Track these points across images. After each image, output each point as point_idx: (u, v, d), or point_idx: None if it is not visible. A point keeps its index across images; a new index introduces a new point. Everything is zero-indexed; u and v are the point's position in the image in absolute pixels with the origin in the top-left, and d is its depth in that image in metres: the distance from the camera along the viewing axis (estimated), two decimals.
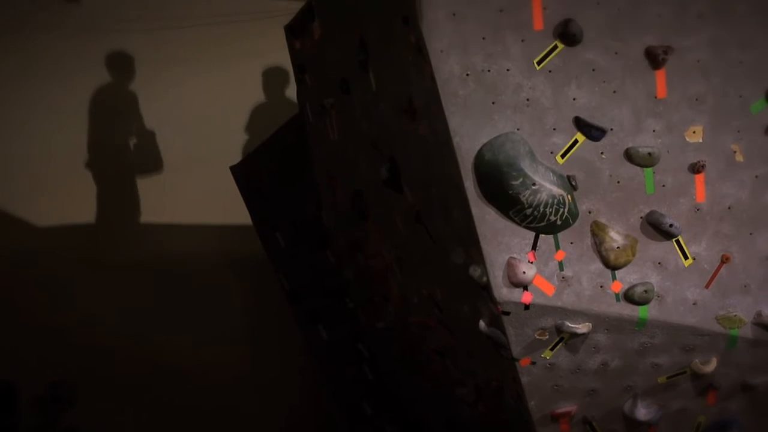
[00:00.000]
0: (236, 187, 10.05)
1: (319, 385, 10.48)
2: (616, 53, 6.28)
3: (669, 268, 6.54)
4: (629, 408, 6.96)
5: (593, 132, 6.29)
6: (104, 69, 11.47)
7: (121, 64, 11.55)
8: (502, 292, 6.31)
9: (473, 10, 6.09)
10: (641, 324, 6.56)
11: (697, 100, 6.43)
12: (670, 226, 6.44)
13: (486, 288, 6.35)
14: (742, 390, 7.12)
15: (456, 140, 6.13)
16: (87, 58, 11.32)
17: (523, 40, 6.16)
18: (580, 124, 6.28)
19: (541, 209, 6.21)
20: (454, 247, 6.62)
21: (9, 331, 10.67)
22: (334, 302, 9.12)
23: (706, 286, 6.64)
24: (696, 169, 6.47)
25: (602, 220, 6.40)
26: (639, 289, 6.48)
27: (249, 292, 11.71)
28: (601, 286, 6.45)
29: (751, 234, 6.67)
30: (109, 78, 11.52)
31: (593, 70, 6.26)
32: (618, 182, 6.39)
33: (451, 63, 6.09)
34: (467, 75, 6.11)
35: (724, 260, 6.64)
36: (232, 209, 10.90)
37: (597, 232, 6.39)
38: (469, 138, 6.14)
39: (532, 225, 6.28)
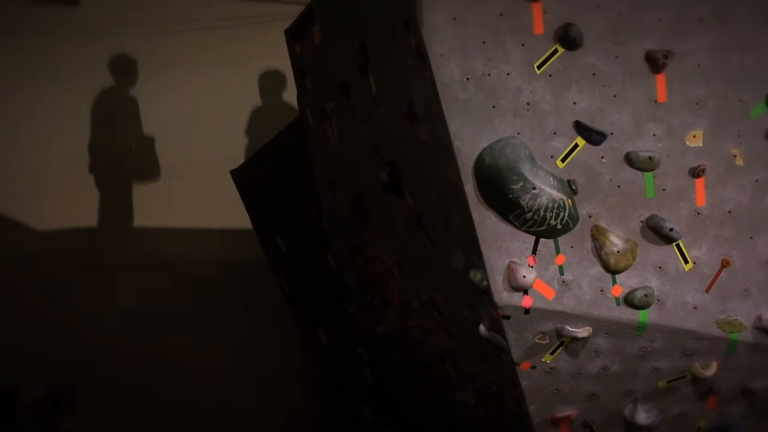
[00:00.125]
0: (236, 191, 10.05)
1: (319, 388, 10.49)
2: (616, 57, 6.29)
3: (669, 272, 6.54)
4: (629, 412, 6.96)
5: (593, 136, 6.29)
6: (104, 72, 11.48)
7: (120, 68, 11.56)
8: (503, 296, 6.31)
9: (473, 14, 6.09)
10: (641, 328, 6.56)
11: (697, 104, 6.43)
12: (671, 230, 6.44)
13: (486, 292, 6.35)
14: (742, 394, 7.11)
15: (456, 144, 6.13)
16: (86, 61, 11.32)
17: (523, 44, 6.16)
18: (581, 128, 6.28)
19: (542, 213, 6.21)
20: (455, 251, 6.62)
21: (9, 334, 10.67)
22: (334, 306, 9.12)
23: (707, 290, 6.64)
24: (696, 173, 6.47)
25: (602, 224, 6.40)
26: (639, 293, 6.48)
27: (249, 296, 11.71)
28: (602, 290, 6.45)
29: (751, 238, 6.67)
30: (108, 81, 11.53)
31: (593, 74, 6.26)
32: (618, 186, 6.39)
33: (451, 67, 6.09)
34: (467, 79, 6.11)
35: (725, 264, 6.64)
36: (232, 213, 10.91)
37: (597, 236, 6.39)
38: (469, 142, 6.14)
39: (532, 229, 6.28)
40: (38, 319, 10.89)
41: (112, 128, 11.58)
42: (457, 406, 7.81)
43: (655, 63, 6.33)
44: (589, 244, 6.41)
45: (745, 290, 6.71)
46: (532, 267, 6.31)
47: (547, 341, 6.50)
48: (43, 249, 11.18)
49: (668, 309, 6.57)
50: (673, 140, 6.43)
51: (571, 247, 6.37)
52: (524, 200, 6.17)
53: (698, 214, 6.54)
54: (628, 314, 6.51)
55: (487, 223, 6.24)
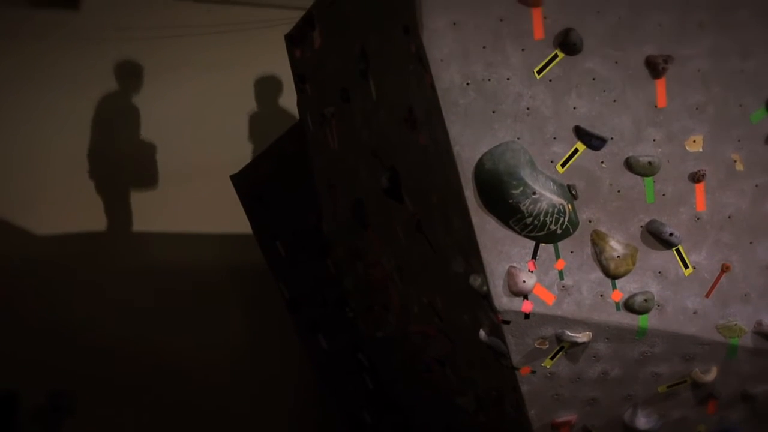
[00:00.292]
0: (236, 195, 10.05)
1: (319, 393, 10.48)
2: (616, 62, 6.29)
3: (669, 277, 6.54)
4: (629, 417, 6.96)
5: (593, 141, 6.29)
6: (104, 76, 11.48)
7: (120, 72, 11.56)
8: (502, 301, 6.31)
9: (473, 20, 6.09)
10: (641, 333, 6.56)
11: (697, 109, 6.44)
12: (671, 235, 6.45)
13: (486, 297, 6.35)
14: (742, 399, 7.11)
15: (456, 149, 6.13)
16: (86, 65, 11.32)
17: (523, 49, 6.16)
18: (581, 134, 6.28)
19: (542, 218, 6.21)
20: (455, 256, 6.62)
21: (9, 339, 10.67)
22: (334, 311, 9.12)
23: (707, 295, 6.64)
24: (696, 178, 6.48)
25: (602, 229, 6.40)
26: (639, 298, 6.48)
27: (249, 300, 11.71)
28: (602, 295, 6.45)
29: (751, 243, 6.67)
30: (108, 86, 11.53)
31: (593, 79, 6.27)
32: (618, 191, 6.39)
33: (451, 72, 6.09)
34: (467, 84, 6.11)
35: (725, 269, 6.64)
36: (232, 218, 10.90)
37: (597, 241, 6.39)
38: (469, 147, 6.14)
39: (532, 234, 6.28)
40: (38, 323, 10.90)
41: (112, 133, 11.57)
42: (457, 411, 7.81)
43: (655, 68, 6.33)
44: (589, 249, 6.41)
45: (745, 295, 6.71)
46: (532, 272, 6.31)
47: (547, 346, 6.50)
48: (42, 253, 11.18)
49: (668, 314, 6.57)
50: (673, 145, 6.43)
51: (571, 252, 6.37)
52: (524, 205, 6.17)
53: (698, 219, 6.55)
54: (628, 319, 6.51)
55: (487, 228, 6.24)
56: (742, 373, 6.93)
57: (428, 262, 7.04)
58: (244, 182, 9.90)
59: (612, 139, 6.32)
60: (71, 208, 11.29)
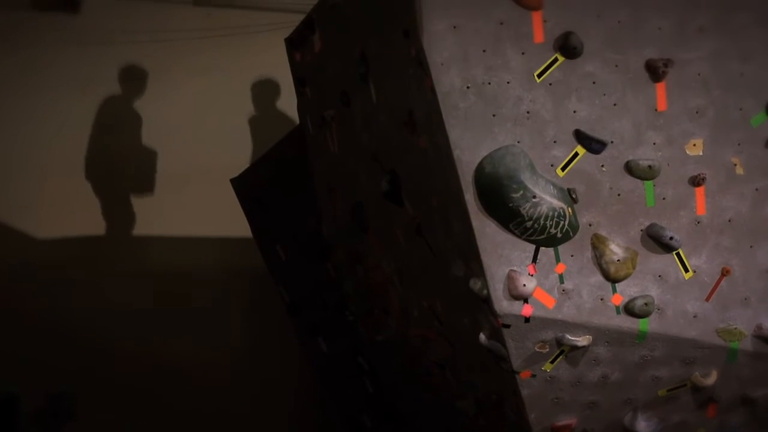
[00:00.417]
0: (237, 199, 10.05)
1: (319, 396, 10.47)
2: (616, 66, 6.29)
3: (669, 281, 6.54)
4: (629, 421, 6.95)
5: (593, 145, 6.29)
6: (103, 80, 11.48)
7: (120, 76, 11.57)
8: (503, 304, 6.31)
9: (474, 23, 6.09)
10: (641, 337, 6.55)
11: (697, 112, 6.44)
12: (671, 239, 6.44)
13: (486, 301, 6.35)
14: (742, 403, 7.11)
15: (456, 153, 6.13)
16: (86, 69, 11.33)
17: (523, 53, 6.16)
18: (581, 137, 6.28)
19: (542, 222, 6.21)
20: (455, 259, 6.62)
21: (9, 342, 10.67)
22: (334, 315, 9.12)
23: (707, 299, 6.63)
24: (696, 182, 6.47)
25: (602, 232, 6.40)
26: (639, 302, 6.47)
27: (249, 304, 11.70)
28: (602, 299, 6.45)
29: (751, 247, 6.67)
30: (108, 89, 11.53)
31: (594, 82, 6.27)
32: (618, 195, 6.39)
33: (451, 76, 6.10)
34: (468, 88, 6.11)
35: (725, 273, 6.64)
36: (232, 221, 10.90)
37: (597, 244, 6.39)
38: (469, 151, 6.14)
39: (532, 238, 6.28)
40: (38, 327, 10.90)
41: (112, 136, 11.58)
42: (457, 414, 7.81)
43: (655, 72, 6.33)
44: (589, 253, 6.41)
45: (745, 299, 6.71)
46: (532, 276, 6.31)
47: (547, 350, 6.50)
48: (42, 257, 11.18)
49: (668, 318, 6.57)
50: (674, 149, 6.43)
51: (572, 256, 6.37)
52: (524, 209, 6.17)
53: (698, 222, 6.55)
54: (628, 323, 6.50)
55: (487, 231, 6.24)
56: (742, 376, 6.93)
57: (428, 266, 7.04)
58: (244, 186, 9.90)
59: (612, 142, 6.32)
60: (71, 212, 11.29)
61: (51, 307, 11.01)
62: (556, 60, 6.21)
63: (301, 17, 8.02)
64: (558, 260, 6.35)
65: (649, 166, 6.37)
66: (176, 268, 11.51)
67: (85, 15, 11.42)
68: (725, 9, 6.46)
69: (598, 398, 6.79)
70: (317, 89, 8.05)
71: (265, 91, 11.96)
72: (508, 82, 6.16)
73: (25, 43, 11.10)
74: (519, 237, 6.27)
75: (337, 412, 9.98)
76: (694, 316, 6.62)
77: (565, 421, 6.85)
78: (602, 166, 6.33)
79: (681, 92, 6.39)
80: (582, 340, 6.44)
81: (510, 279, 6.29)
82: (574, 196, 6.29)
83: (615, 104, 6.31)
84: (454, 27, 6.07)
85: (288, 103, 11.46)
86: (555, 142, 6.25)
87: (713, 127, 6.47)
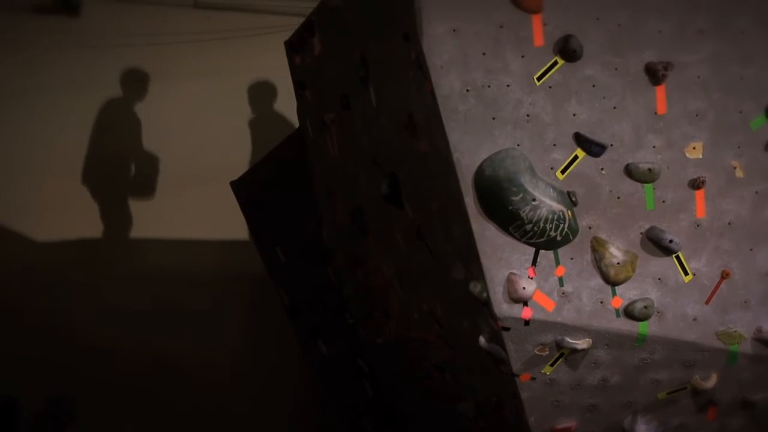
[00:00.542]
0: (236, 202, 10.05)
1: (319, 399, 10.47)
2: (616, 69, 6.29)
3: (669, 283, 6.54)
4: (629, 424, 6.95)
5: (593, 148, 6.29)
6: (104, 83, 11.49)
7: (120, 78, 11.58)
8: (502, 307, 6.31)
9: (473, 26, 6.09)
10: (641, 340, 6.55)
11: (697, 115, 6.44)
12: (670, 242, 6.44)
13: (486, 304, 6.35)
14: (742, 406, 7.11)
15: (456, 156, 6.13)
16: (87, 72, 11.34)
17: (523, 56, 6.16)
18: (581, 140, 6.28)
19: (541, 225, 6.21)
20: (455, 262, 6.62)
21: (9, 345, 10.67)
22: (334, 318, 9.11)
23: (706, 302, 6.63)
24: (696, 185, 6.47)
25: (602, 235, 6.40)
26: (639, 305, 6.47)
27: (249, 307, 11.70)
28: (601, 302, 6.45)
29: (751, 250, 6.67)
30: (108, 92, 11.54)
31: (593, 86, 6.27)
32: (618, 198, 6.39)
33: (451, 79, 6.10)
34: (467, 91, 6.11)
35: (724, 276, 6.64)
36: (232, 224, 10.92)
37: (597, 247, 6.39)
38: (469, 154, 6.14)
39: (532, 241, 6.28)
40: (39, 330, 10.90)
41: (112, 139, 11.59)
42: (457, 417, 7.81)
43: (655, 75, 6.33)
44: (588, 256, 6.41)
45: (745, 302, 6.71)
46: (531, 278, 6.31)
47: (547, 353, 6.50)
48: (42, 260, 11.18)
49: (668, 321, 6.57)
50: (673, 152, 6.43)
51: (571, 259, 6.37)
52: (524, 212, 6.17)
53: (698, 225, 6.55)
54: (627, 326, 6.50)
55: (487, 234, 6.24)
56: (742, 379, 6.93)
57: (428, 269, 7.04)
58: (244, 188, 9.90)
59: (612, 145, 6.32)
60: (70, 214, 11.30)
61: (51, 309, 11.02)
62: (555, 63, 6.22)
63: (300, 20, 8.03)
64: (558, 263, 6.35)
65: (649, 169, 6.38)
66: (176, 271, 11.52)
67: (85, 18, 11.43)
68: (725, 11, 6.46)
69: (597, 401, 6.79)
70: (317, 92, 8.05)
71: (264, 94, 11.97)
72: (507, 85, 6.16)
73: (26, 45, 11.11)
74: (519, 240, 6.27)
75: (337, 415, 9.98)
76: (694, 319, 6.62)
77: (564, 424, 6.85)
78: (602, 169, 6.34)
79: (681, 95, 6.40)
80: (582, 343, 6.44)
81: (510, 282, 6.29)
82: (573, 199, 6.29)
83: (615, 107, 6.31)
84: (454, 30, 6.07)
85: (288, 106, 11.44)
86: (555, 145, 6.26)
87: (713, 130, 6.47)
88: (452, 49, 6.08)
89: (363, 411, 9.51)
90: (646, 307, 6.48)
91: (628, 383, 6.75)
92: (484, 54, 6.12)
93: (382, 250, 7.70)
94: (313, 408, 11.09)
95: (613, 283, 6.44)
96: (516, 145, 6.19)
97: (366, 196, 7.59)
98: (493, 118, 6.16)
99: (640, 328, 6.51)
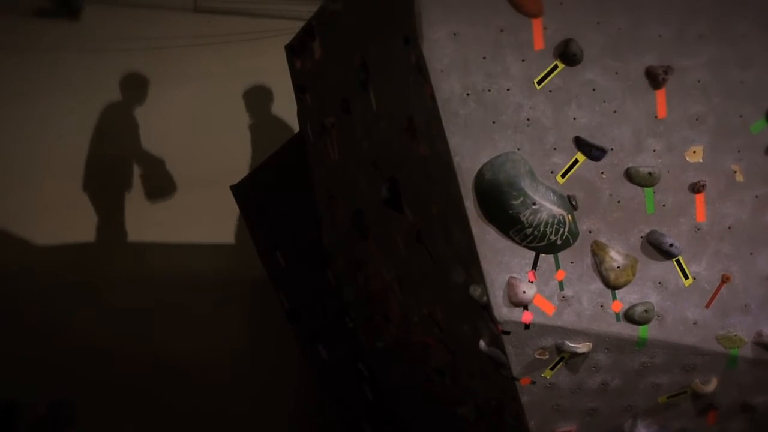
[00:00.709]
0: (237, 206, 10.05)
1: (319, 403, 10.47)
2: (616, 73, 6.29)
3: (669, 287, 6.54)
4: (629, 428, 6.95)
5: (593, 152, 6.29)
6: (104, 87, 11.50)
7: (121, 82, 11.59)
8: (502, 311, 6.31)
9: (474, 30, 6.09)
10: (641, 344, 6.55)
11: (697, 119, 6.44)
12: (671, 245, 6.44)
13: (486, 307, 6.35)
14: (742, 410, 7.10)
15: (456, 160, 6.13)
16: (87, 76, 11.35)
17: (523, 60, 6.16)
18: (581, 144, 6.28)
19: (542, 229, 6.21)
20: (455, 266, 6.62)
21: (9, 347, 10.67)
22: (334, 322, 9.12)
23: (707, 306, 6.63)
24: (696, 188, 6.47)
25: (602, 239, 6.40)
26: (639, 309, 6.47)
27: (249, 311, 11.70)
28: (602, 306, 6.45)
29: (751, 254, 6.67)
30: (109, 96, 11.55)
31: (593, 89, 6.27)
32: (618, 202, 6.39)
33: (451, 83, 6.10)
34: (468, 95, 6.11)
35: (725, 280, 6.64)
36: (232, 228, 10.93)
37: (597, 251, 6.39)
38: (469, 158, 6.14)
39: (532, 245, 6.28)
40: (38, 332, 10.90)
41: (112, 143, 11.59)
42: (457, 420, 7.81)
43: (655, 79, 6.33)
44: (589, 260, 6.41)
45: (745, 306, 6.71)
46: (532, 282, 6.31)
47: (547, 357, 6.49)
48: (41, 263, 11.19)
49: (668, 324, 6.56)
50: (673, 156, 6.43)
51: (571, 263, 6.37)
52: (524, 216, 6.17)
53: (698, 229, 6.54)
54: (628, 330, 6.50)
55: (487, 238, 6.24)
56: (742, 383, 6.92)
57: (428, 273, 7.04)
58: (245, 193, 9.90)
59: (612, 149, 6.32)
60: (70, 217, 11.31)
61: (51, 312, 11.02)
62: (556, 67, 6.22)
63: (301, 24, 8.03)
64: (558, 267, 6.35)
65: (649, 173, 6.38)
66: (176, 275, 11.52)
67: (85, 21, 11.44)
68: (725, 16, 6.45)
69: (598, 405, 6.79)
70: (317, 96, 8.06)
71: (264, 98, 11.98)
72: (508, 89, 6.16)
73: (26, 48, 11.12)
74: (519, 244, 6.27)
75: (337, 417, 9.98)
76: (694, 323, 6.61)
77: (564, 427, 6.85)
78: (602, 173, 6.34)
79: (681, 99, 6.39)
80: (582, 347, 6.44)
81: (510, 286, 6.29)
82: (574, 203, 6.29)
83: (615, 111, 6.31)
84: (454, 34, 6.07)
85: (288, 110, 11.46)
86: (555, 149, 6.26)
87: (713, 134, 6.47)
88: (452, 52, 6.08)
89: (363, 415, 9.51)
90: (646, 311, 6.48)
91: (628, 387, 6.75)
92: (484, 58, 6.12)
93: (382, 253, 7.70)
94: (313, 409, 11.09)
95: (613, 287, 6.44)
96: (516, 149, 6.19)
97: (366, 199, 7.59)
98: (494, 122, 6.16)
99: (641, 331, 6.51)
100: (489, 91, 6.14)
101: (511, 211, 6.16)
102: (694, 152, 6.46)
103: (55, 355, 10.85)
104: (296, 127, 8.91)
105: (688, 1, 6.39)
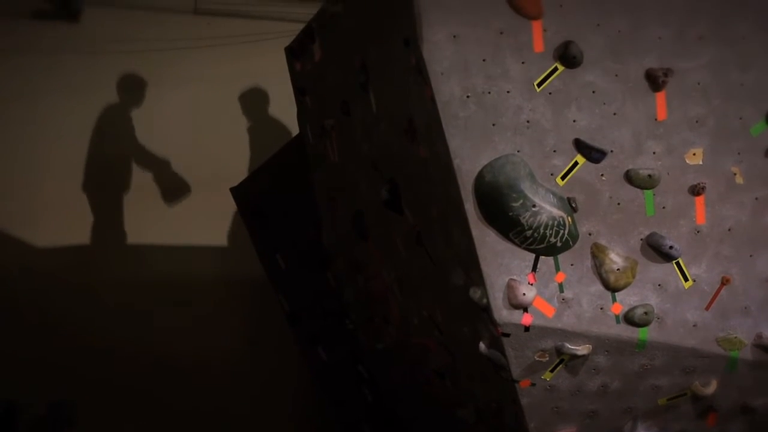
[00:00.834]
0: (236, 208, 10.05)
1: (319, 404, 10.47)
2: (616, 75, 6.29)
3: (669, 290, 6.54)
4: (629, 430, 6.94)
5: (593, 154, 6.29)
6: (103, 89, 11.50)
7: (120, 84, 11.58)
8: (502, 313, 6.30)
9: (474, 32, 6.09)
10: (641, 346, 6.55)
11: (697, 122, 6.44)
12: (670, 248, 6.44)
13: (486, 310, 6.35)
14: (742, 412, 7.10)
15: (456, 162, 6.13)
16: (86, 78, 11.35)
17: (523, 62, 6.17)
18: (581, 146, 6.28)
19: (542, 231, 6.21)
20: (455, 268, 6.62)
21: (8, 348, 10.67)
22: (334, 323, 9.11)
23: (707, 308, 6.63)
24: (696, 191, 6.47)
25: (602, 242, 6.40)
26: (639, 311, 6.47)
27: (249, 313, 11.70)
28: (601, 308, 6.44)
29: (751, 256, 6.67)
30: (108, 98, 11.55)
31: (593, 92, 6.27)
32: (618, 204, 6.39)
33: (451, 85, 6.10)
34: (468, 97, 6.11)
35: (725, 282, 6.63)
36: (232, 230, 10.93)
37: (597, 253, 6.39)
38: (469, 160, 6.14)
39: (532, 247, 6.27)
40: (38, 333, 10.90)
41: (111, 144, 11.59)
42: (457, 423, 7.80)
43: (655, 81, 6.33)
44: (589, 262, 6.41)
45: (745, 308, 6.70)
46: (532, 285, 6.31)
47: (547, 359, 6.49)
48: (41, 264, 11.19)
49: (668, 326, 6.56)
50: (673, 158, 6.43)
51: (571, 265, 6.37)
52: (524, 218, 6.17)
53: (698, 231, 6.54)
54: (628, 332, 6.50)
55: (487, 240, 6.24)
56: (742, 385, 6.92)
57: (428, 275, 7.04)
58: (244, 195, 9.90)
59: (612, 151, 6.32)
60: (69, 219, 11.31)
61: (50, 313, 11.02)
62: (555, 69, 6.22)
63: (300, 26, 8.02)
64: (558, 269, 6.35)
65: (649, 176, 6.37)
66: (176, 277, 11.52)
67: (84, 23, 11.45)
68: (725, 18, 6.46)
69: (597, 407, 6.79)
70: (317, 98, 8.05)
71: (264, 100, 11.98)
72: (508, 92, 6.16)
73: (25, 50, 11.11)
74: (519, 246, 6.27)
75: (336, 419, 9.98)
76: (694, 325, 6.61)
77: (564, 430, 6.85)
78: (602, 175, 6.34)
79: (681, 101, 6.39)
80: (582, 349, 6.44)
81: (510, 288, 6.29)
82: (573, 205, 6.29)
83: (615, 113, 6.31)
84: (454, 36, 6.08)
85: (288, 112, 11.45)
86: (555, 151, 6.26)
87: (713, 137, 6.47)
88: (452, 55, 6.09)
89: (362, 416, 9.51)
90: (646, 313, 6.48)
91: (628, 389, 6.75)
92: (484, 60, 6.12)
93: (382, 255, 7.70)
94: (313, 410, 11.08)
95: (613, 289, 6.43)
96: (516, 151, 6.19)
97: (366, 201, 7.59)
98: (494, 124, 6.16)
99: (640, 334, 6.51)
100: (489, 93, 6.14)
101: (511, 213, 6.16)
102: (694, 154, 6.46)
103: (54, 355, 10.85)
104: (296, 129, 8.90)
105: (688, 2, 6.39)
